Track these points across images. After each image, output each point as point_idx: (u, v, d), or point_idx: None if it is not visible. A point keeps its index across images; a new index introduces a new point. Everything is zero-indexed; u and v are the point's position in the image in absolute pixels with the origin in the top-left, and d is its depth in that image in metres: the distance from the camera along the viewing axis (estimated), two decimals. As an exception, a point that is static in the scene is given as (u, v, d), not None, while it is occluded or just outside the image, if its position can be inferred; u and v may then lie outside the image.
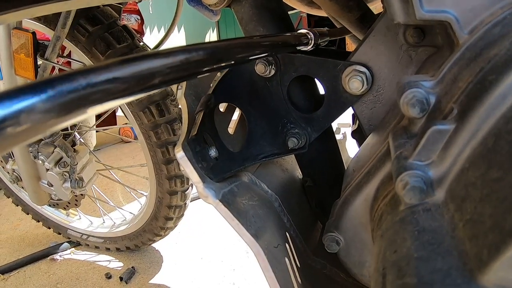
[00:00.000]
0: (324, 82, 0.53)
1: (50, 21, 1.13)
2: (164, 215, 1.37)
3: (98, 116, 1.50)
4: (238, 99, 0.56)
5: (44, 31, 1.18)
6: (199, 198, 2.03)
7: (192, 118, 0.48)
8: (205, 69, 0.32)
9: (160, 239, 1.53)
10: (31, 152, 1.20)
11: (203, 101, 0.49)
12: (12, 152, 1.24)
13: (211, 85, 0.53)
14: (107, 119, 2.72)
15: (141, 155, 1.31)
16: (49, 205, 1.46)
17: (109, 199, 1.66)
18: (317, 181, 0.66)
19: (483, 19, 0.35)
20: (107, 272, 1.49)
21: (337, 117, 0.55)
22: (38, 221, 1.76)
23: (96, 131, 1.58)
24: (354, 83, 0.50)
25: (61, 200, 1.38)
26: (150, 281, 1.41)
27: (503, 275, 0.22)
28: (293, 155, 0.66)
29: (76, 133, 1.37)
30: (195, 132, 0.45)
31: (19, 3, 0.61)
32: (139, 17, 3.51)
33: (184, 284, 1.38)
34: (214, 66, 0.33)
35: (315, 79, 0.57)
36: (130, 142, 3.45)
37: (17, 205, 1.75)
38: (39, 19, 1.14)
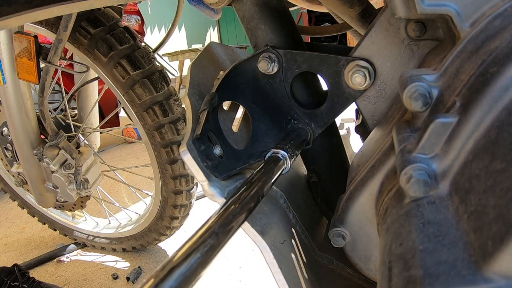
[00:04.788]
0: (327, 78, 0.53)
1: (51, 24, 1.14)
2: (169, 214, 1.37)
3: (101, 118, 1.50)
4: (242, 97, 0.56)
5: (45, 34, 1.18)
6: (204, 197, 2.03)
7: (196, 117, 0.48)
8: None
9: (166, 238, 1.54)
10: (36, 155, 1.21)
11: (206, 100, 0.49)
12: (17, 155, 1.25)
13: (214, 83, 0.53)
14: (111, 120, 2.73)
15: (145, 155, 1.32)
16: (55, 207, 1.47)
17: (114, 200, 1.67)
18: (322, 177, 0.66)
19: (484, 11, 0.35)
20: (114, 272, 1.50)
21: (341, 113, 0.55)
22: (44, 224, 1.78)
23: (100, 133, 1.59)
24: (356, 78, 0.50)
25: (67, 202, 1.39)
26: (157, 280, 1.42)
27: (508, 266, 0.22)
28: None
29: (80, 135, 1.37)
30: (200, 131, 0.45)
31: (20, 7, 0.61)
32: (139, 18, 3.52)
33: (191, 282, 1.38)
34: None
35: (318, 75, 0.57)
36: (134, 142, 3.46)
37: (23, 208, 1.76)
38: (40, 22, 1.14)
